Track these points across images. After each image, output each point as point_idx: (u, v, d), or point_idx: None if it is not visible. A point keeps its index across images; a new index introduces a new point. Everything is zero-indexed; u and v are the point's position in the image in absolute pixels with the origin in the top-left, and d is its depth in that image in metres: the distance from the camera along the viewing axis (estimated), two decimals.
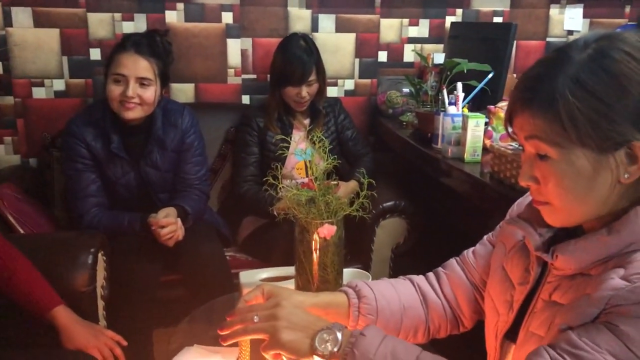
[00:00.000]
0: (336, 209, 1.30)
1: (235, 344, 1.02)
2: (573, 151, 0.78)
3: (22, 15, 2.50)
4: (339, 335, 0.87)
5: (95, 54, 2.60)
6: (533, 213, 0.91)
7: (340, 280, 1.36)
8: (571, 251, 0.82)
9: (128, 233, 2.06)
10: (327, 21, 2.79)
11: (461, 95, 2.05)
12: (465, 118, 1.93)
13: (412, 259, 2.46)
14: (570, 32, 3.05)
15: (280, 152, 1.95)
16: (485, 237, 1.17)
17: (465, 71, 2.13)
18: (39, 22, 2.52)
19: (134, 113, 2.04)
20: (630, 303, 0.72)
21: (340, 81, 2.88)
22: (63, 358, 1.51)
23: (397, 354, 0.84)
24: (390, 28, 2.87)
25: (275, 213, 1.55)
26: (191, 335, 1.38)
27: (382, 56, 2.90)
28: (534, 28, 3.03)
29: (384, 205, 2.36)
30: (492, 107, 1.99)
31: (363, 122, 2.90)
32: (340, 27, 2.81)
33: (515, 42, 2.65)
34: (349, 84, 2.89)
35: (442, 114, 2.06)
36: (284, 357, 0.92)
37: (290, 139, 2.41)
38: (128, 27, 2.58)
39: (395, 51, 2.91)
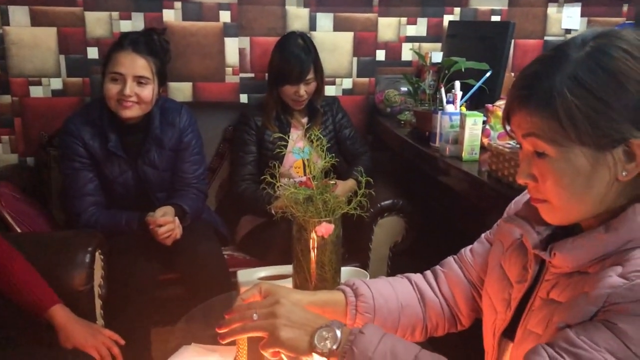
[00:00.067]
0: (334, 207, 1.30)
1: (233, 343, 1.02)
2: (571, 149, 0.78)
3: (19, 14, 2.49)
4: (338, 333, 0.87)
5: (92, 52, 2.60)
6: (531, 211, 0.91)
7: (338, 279, 1.36)
8: (569, 249, 0.82)
9: (126, 232, 2.06)
10: (325, 20, 2.79)
11: (459, 93, 2.05)
12: (463, 116, 1.93)
13: (410, 258, 2.46)
14: (568, 31, 3.05)
15: (278, 150, 1.95)
16: (483, 235, 1.17)
17: (463, 70, 2.13)
18: (36, 20, 2.51)
19: (132, 112, 2.04)
20: (629, 301, 0.72)
21: (338, 80, 2.87)
22: (61, 357, 1.51)
23: (396, 352, 0.84)
24: (388, 27, 2.87)
25: (273, 212, 1.55)
26: (189, 334, 1.38)
27: (380, 55, 2.90)
28: (532, 27, 3.03)
29: (382, 203, 2.36)
30: (490, 105, 2.00)
31: (361, 121, 2.90)
32: (338, 26, 2.81)
33: (513, 40, 2.66)
34: (347, 83, 2.89)
35: (440, 112, 2.06)
36: (282, 355, 0.92)
37: (288, 137, 2.40)
38: (125, 26, 2.58)
39: (393, 50, 2.91)
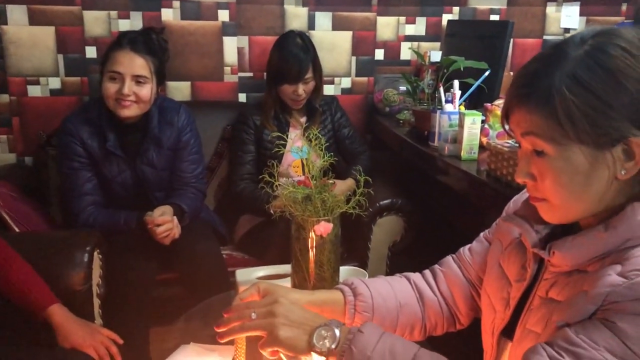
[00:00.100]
0: (332, 206, 1.30)
1: (232, 342, 1.02)
2: (570, 147, 0.78)
3: (17, 13, 2.49)
4: (337, 332, 0.86)
5: (91, 52, 2.59)
6: (529, 210, 0.91)
7: (336, 278, 1.36)
8: (568, 248, 0.82)
9: (124, 231, 2.05)
10: (323, 19, 2.79)
11: (458, 93, 2.05)
12: (461, 116, 1.93)
13: (409, 257, 2.46)
14: (566, 30, 3.05)
15: (277, 149, 1.95)
16: (481, 234, 1.17)
17: (462, 69, 2.13)
18: (35, 19, 2.51)
19: (130, 111, 2.03)
20: (628, 299, 0.72)
21: (337, 79, 2.87)
22: (59, 357, 1.51)
23: (395, 351, 0.84)
24: (387, 26, 2.87)
25: (271, 211, 1.54)
26: (187, 334, 1.38)
27: (379, 54, 2.90)
28: (531, 26, 3.03)
29: (381, 203, 2.36)
30: (488, 104, 2.00)
31: (360, 120, 2.90)
32: (337, 25, 2.81)
33: (512, 40, 2.66)
34: (346, 82, 2.89)
35: (438, 111, 2.06)
36: (281, 354, 0.92)
37: (287, 136, 2.40)
38: (124, 25, 2.57)
39: (392, 49, 2.91)
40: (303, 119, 2.49)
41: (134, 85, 2.02)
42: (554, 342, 0.76)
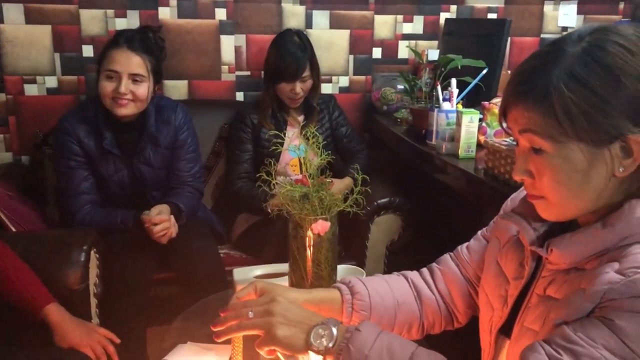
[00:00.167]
0: (330, 205, 1.29)
1: (229, 341, 1.01)
2: (568, 145, 0.77)
3: (13, 12, 2.48)
4: (334, 330, 0.86)
5: (87, 50, 2.58)
6: (527, 207, 0.91)
7: (334, 277, 1.35)
8: (566, 245, 0.82)
9: (121, 230, 2.05)
10: (321, 17, 2.78)
11: (455, 91, 2.05)
12: (459, 114, 1.93)
13: (406, 256, 2.46)
14: (564, 29, 3.05)
15: (274, 148, 1.95)
16: (479, 232, 1.17)
17: (459, 67, 2.13)
18: (31, 18, 2.50)
19: (127, 109, 2.03)
20: (626, 297, 0.72)
21: (334, 78, 2.87)
22: (56, 356, 1.50)
23: (392, 349, 0.84)
24: (384, 24, 2.87)
25: (269, 210, 1.54)
26: (185, 333, 1.37)
27: (377, 53, 2.89)
28: (528, 24, 3.03)
29: (379, 202, 2.35)
30: (486, 103, 2.00)
31: (357, 119, 2.90)
32: (334, 24, 2.81)
33: (509, 38, 2.66)
34: (344, 81, 2.89)
35: (436, 110, 2.06)
36: (278, 353, 0.91)
37: (285, 135, 2.40)
38: (121, 24, 2.57)
39: (390, 48, 2.90)
40: (301, 118, 2.49)
41: (131, 84, 2.01)
42: (552, 339, 0.76)
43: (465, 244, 1.18)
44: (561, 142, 0.78)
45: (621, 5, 3.11)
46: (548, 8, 3.03)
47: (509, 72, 2.86)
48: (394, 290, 1.10)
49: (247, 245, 2.37)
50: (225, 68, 2.75)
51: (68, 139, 2.07)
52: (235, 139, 2.46)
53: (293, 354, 0.88)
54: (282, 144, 2.24)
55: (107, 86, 2.01)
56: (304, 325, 0.88)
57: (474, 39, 2.42)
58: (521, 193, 1.01)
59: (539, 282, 0.89)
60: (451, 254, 1.19)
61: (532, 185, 0.84)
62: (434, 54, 2.70)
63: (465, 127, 1.92)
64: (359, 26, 2.84)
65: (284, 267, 1.45)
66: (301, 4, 2.74)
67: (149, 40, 2.09)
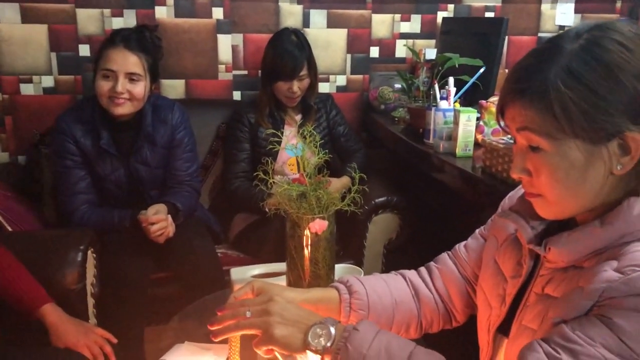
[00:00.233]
0: (327, 203, 1.29)
1: (226, 341, 1.01)
2: (565, 142, 0.77)
3: (9, 11, 2.47)
4: (332, 330, 0.86)
5: (84, 50, 2.58)
6: (525, 206, 0.90)
7: (331, 276, 1.35)
8: (564, 243, 0.82)
9: (118, 230, 2.04)
10: (318, 16, 2.78)
11: (453, 90, 2.05)
12: (456, 113, 1.93)
13: (404, 255, 2.46)
14: (561, 28, 3.06)
15: (271, 146, 1.94)
16: (477, 230, 1.16)
17: (457, 66, 2.13)
18: (27, 17, 2.49)
19: (123, 109, 2.02)
20: (624, 295, 0.71)
21: (332, 77, 2.87)
22: (52, 357, 1.50)
23: (390, 349, 0.84)
24: (382, 24, 2.87)
25: (266, 209, 1.54)
26: (182, 333, 1.37)
27: (374, 52, 2.89)
28: (526, 23, 3.03)
29: (376, 201, 2.35)
30: (483, 101, 1.99)
31: (355, 118, 2.89)
32: (332, 23, 2.80)
33: (506, 37, 2.66)
34: (341, 80, 2.88)
35: (433, 109, 2.06)
36: (276, 353, 0.91)
37: (282, 134, 2.39)
38: (117, 23, 2.56)
39: (387, 47, 2.90)
40: (298, 117, 2.49)
41: (128, 83, 2.00)
42: (550, 338, 0.76)
43: (463, 243, 1.17)
44: (559, 140, 0.77)
45: (618, 4, 3.11)
46: (545, 7, 3.03)
47: (507, 70, 2.86)
48: (391, 289, 1.10)
49: (245, 245, 2.36)
50: (222, 67, 2.74)
51: (65, 139, 2.06)
52: (232, 138, 2.46)
53: (291, 354, 0.88)
54: (279, 143, 2.23)
55: (104, 85, 2.00)
56: (302, 325, 0.88)
57: (472, 37, 2.41)
58: (519, 191, 1.01)
59: (537, 281, 0.88)
60: (449, 252, 1.19)
61: (530, 184, 0.84)
62: (431, 53, 2.71)
63: (463, 125, 1.91)
64: (356, 25, 2.83)
65: (281, 266, 1.45)
66: (298, 3, 2.74)
67: (145, 40, 2.08)
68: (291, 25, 2.65)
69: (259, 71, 2.53)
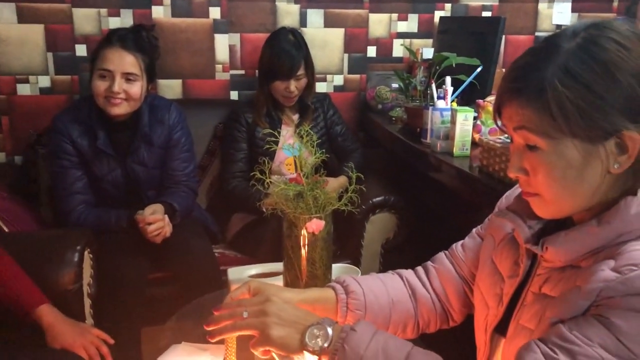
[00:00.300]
0: (324, 203, 1.29)
1: (223, 341, 1.01)
2: (563, 141, 0.77)
3: (5, 11, 2.46)
4: (330, 330, 0.85)
5: (81, 50, 2.57)
6: (522, 205, 0.90)
7: (329, 276, 1.35)
8: (561, 243, 0.81)
9: (115, 230, 2.04)
10: (315, 16, 2.78)
11: (450, 89, 2.05)
12: (454, 112, 1.93)
13: (402, 254, 2.46)
14: (558, 27, 3.06)
15: (268, 146, 1.94)
16: (474, 230, 1.16)
17: (454, 65, 2.13)
18: (23, 17, 2.49)
19: (120, 109, 2.02)
20: (621, 295, 0.71)
21: (329, 76, 2.86)
22: (49, 357, 1.49)
23: (388, 349, 0.83)
24: (379, 23, 2.86)
25: (263, 209, 1.53)
26: (179, 333, 1.37)
27: (371, 51, 2.89)
28: (523, 22, 3.03)
29: (374, 200, 2.35)
30: (480, 101, 1.99)
31: (352, 118, 2.89)
32: (329, 22, 2.80)
33: (504, 36, 2.66)
34: (338, 80, 2.88)
35: (431, 108, 2.06)
36: (273, 354, 0.91)
37: (279, 134, 2.39)
38: (114, 23, 2.55)
39: (384, 46, 2.90)
40: (295, 117, 2.48)
41: (124, 83, 2.00)
42: (548, 338, 0.76)
43: (460, 242, 1.17)
44: (556, 139, 0.77)
45: (615, 3, 3.12)
46: (542, 6, 3.03)
47: (504, 70, 2.86)
48: (388, 289, 1.10)
49: (242, 245, 2.36)
50: (219, 67, 2.74)
51: (61, 139, 2.06)
52: (229, 138, 2.45)
53: (288, 355, 0.88)
54: (276, 143, 2.23)
55: (101, 85, 1.99)
56: (299, 326, 0.87)
57: (469, 37, 2.42)
58: (516, 190, 1.01)
59: (534, 280, 0.88)
60: (446, 252, 1.18)
61: (527, 183, 0.84)
62: (428, 52, 2.70)
63: (460, 125, 1.91)
64: (353, 25, 2.83)
65: (278, 266, 1.44)
66: (295, 2, 2.74)
67: (142, 39, 2.08)
68: (288, 24, 2.65)
69: (256, 71, 2.52)
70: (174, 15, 2.63)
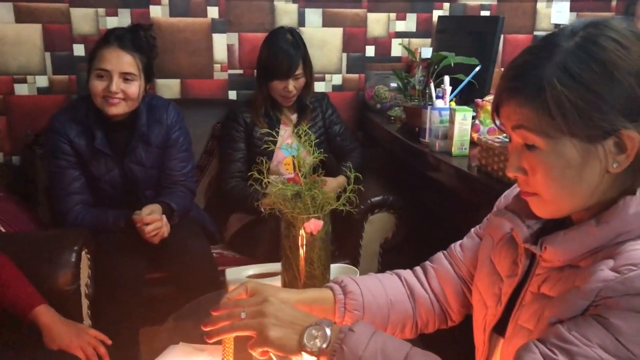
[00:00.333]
0: (323, 203, 1.28)
1: (220, 342, 1.00)
2: (561, 141, 0.77)
3: (2, 10, 2.45)
4: (328, 331, 0.85)
5: (79, 49, 2.56)
6: (521, 205, 0.90)
7: (327, 276, 1.34)
8: (560, 242, 0.81)
9: (112, 230, 2.04)
10: (313, 15, 2.77)
11: (448, 88, 2.05)
12: (452, 111, 1.93)
13: (400, 254, 2.46)
14: (557, 26, 3.05)
15: (266, 146, 1.94)
16: (472, 229, 1.16)
17: (452, 65, 2.12)
18: (21, 17, 2.48)
19: (118, 109, 2.01)
20: (620, 295, 0.71)
21: (327, 76, 2.86)
22: (47, 358, 1.49)
23: (387, 350, 0.83)
24: (377, 22, 2.86)
25: (261, 209, 1.53)
26: (177, 333, 1.36)
27: (370, 51, 2.89)
28: (521, 22, 3.03)
29: (372, 200, 2.35)
30: (479, 100, 1.99)
31: (351, 117, 2.89)
32: (327, 22, 2.80)
33: (502, 35, 2.65)
34: (337, 79, 2.88)
35: (429, 107, 2.05)
36: (271, 354, 0.90)
37: (277, 134, 2.38)
38: (112, 23, 2.54)
39: (383, 46, 2.90)
40: (294, 116, 2.48)
41: (122, 83, 1.99)
42: (547, 339, 0.75)
43: (458, 242, 1.17)
44: (554, 138, 0.77)
45: (613, 2, 3.11)
46: (541, 5, 3.03)
47: (502, 69, 2.86)
48: (387, 289, 1.09)
49: (240, 245, 2.35)
50: (217, 67, 2.73)
51: (59, 139, 2.05)
52: (227, 137, 2.45)
53: (286, 356, 0.87)
54: (275, 143, 2.23)
55: (98, 85, 1.99)
56: (297, 326, 0.87)
57: (467, 36, 2.41)
58: (514, 190, 1.01)
59: (533, 280, 0.88)
60: (445, 252, 1.18)
61: (526, 182, 0.83)
62: (427, 52, 2.69)
63: (459, 124, 1.91)
64: (352, 24, 2.83)
65: (276, 266, 1.44)
66: (294, 2, 2.73)
67: (140, 39, 2.07)
68: (286, 24, 2.65)
69: (255, 70, 2.52)
70: (172, 14, 2.63)
